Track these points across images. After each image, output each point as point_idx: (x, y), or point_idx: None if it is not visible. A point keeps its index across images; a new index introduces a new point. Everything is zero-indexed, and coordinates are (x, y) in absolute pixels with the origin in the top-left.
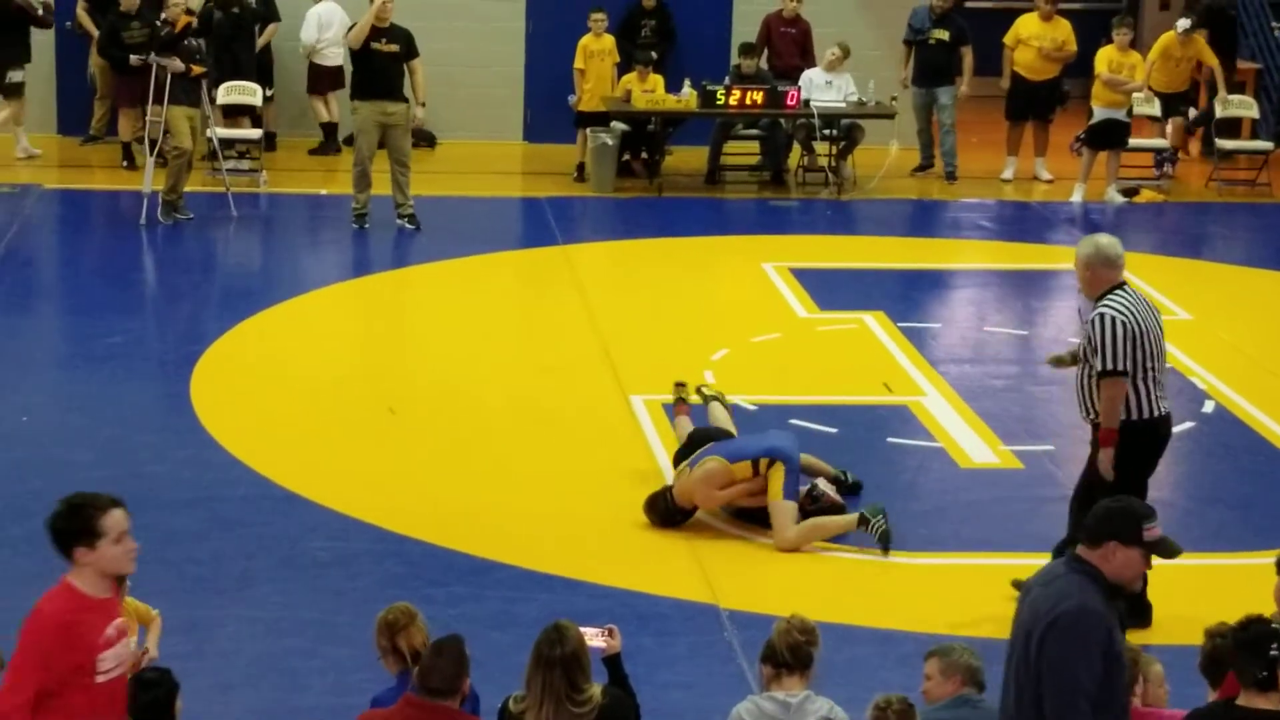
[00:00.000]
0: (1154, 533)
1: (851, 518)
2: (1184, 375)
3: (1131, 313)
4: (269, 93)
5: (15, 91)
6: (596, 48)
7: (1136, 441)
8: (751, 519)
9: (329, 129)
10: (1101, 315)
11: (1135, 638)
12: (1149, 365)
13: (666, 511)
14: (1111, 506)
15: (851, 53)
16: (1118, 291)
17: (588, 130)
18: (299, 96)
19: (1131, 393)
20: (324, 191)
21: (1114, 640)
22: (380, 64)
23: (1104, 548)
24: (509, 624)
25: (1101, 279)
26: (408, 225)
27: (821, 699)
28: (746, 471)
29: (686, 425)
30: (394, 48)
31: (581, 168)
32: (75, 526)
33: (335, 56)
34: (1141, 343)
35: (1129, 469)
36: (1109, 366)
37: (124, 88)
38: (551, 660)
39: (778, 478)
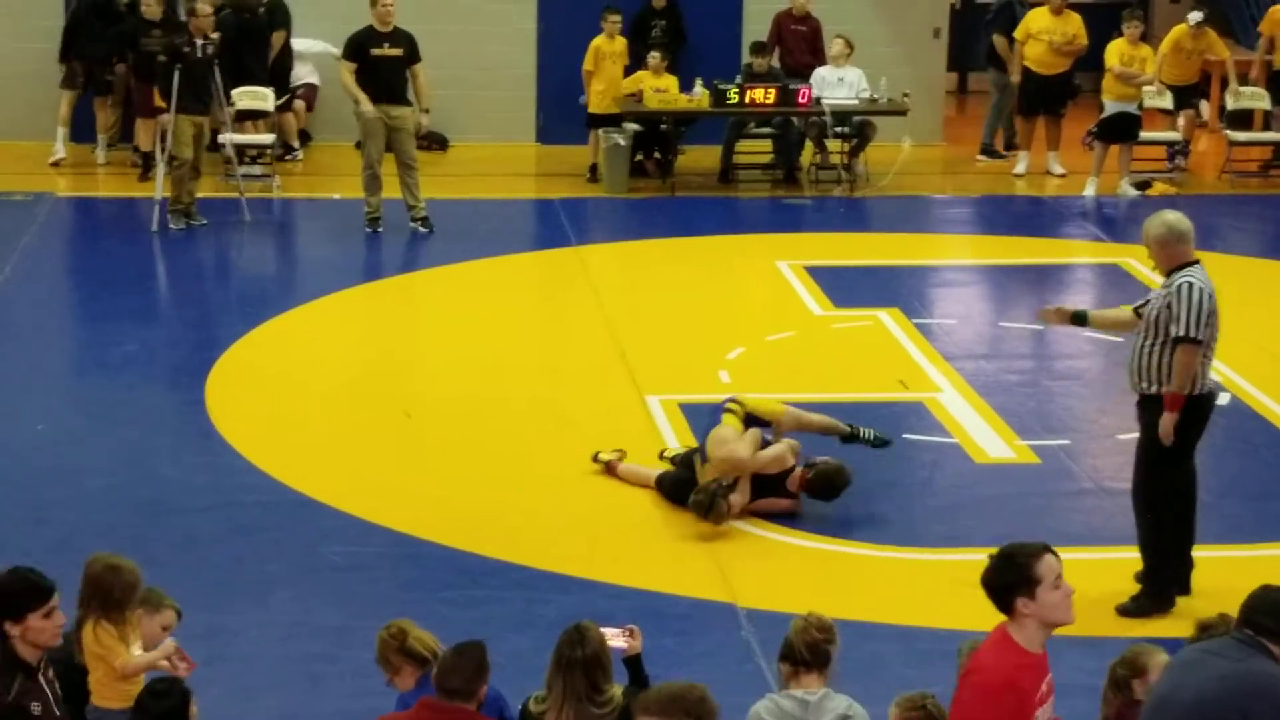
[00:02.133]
0: None
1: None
2: None
3: (1210, 290)
4: (278, 103)
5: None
6: (608, 49)
7: (1188, 415)
8: (769, 516)
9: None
10: (1189, 284)
11: (1157, 625)
12: (1211, 344)
13: (716, 493)
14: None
15: (856, 47)
16: (1196, 267)
17: (600, 131)
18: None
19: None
20: (337, 196)
21: None
22: (383, 68)
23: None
24: (528, 626)
25: (1177, 254)
26: (421, 228)
27: (840, 696)
28: (733, 420)
29: (647, 471)
30: (397, 52)
31: (594, 168)
32: (1013, 577)
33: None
34: (1211, 320)
35: (1177, 440)
36: (1190, 333)
37: (143, 96)
38: (573, 661)
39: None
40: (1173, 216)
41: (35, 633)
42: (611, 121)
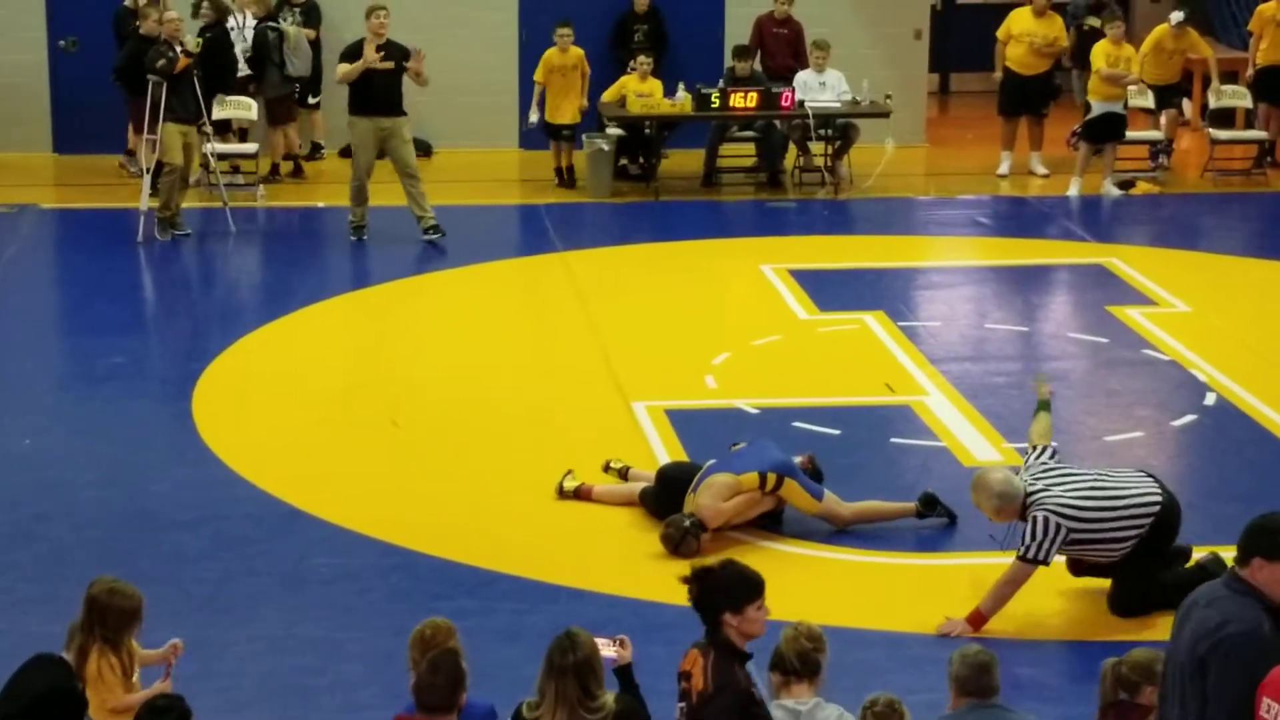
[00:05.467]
0: None
1: (908, 506)
2: (1184, 368)
3: (1062, 508)
4: (312, 101)
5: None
6: (559, 62)
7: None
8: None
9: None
10: (1037, 517)
11: (1148, 630)
12: (1103, 517)
13: (688, 531)
14: (1257, 523)
15: (833, 49)
16: (1039, 495)
17: (584, 135)
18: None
19: (1126, 523)
20: (321, 204)
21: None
22: (378, 81)
23: (1250, 565)
24: (517, 636)
25: (1016, 508)
26: (432, 235)
27: (831, 705)
28: (753, 482)
29: (634, 483)
30: (389, 65)
31: (559, 173)
32: None
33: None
34: (1088, 524)
35: (1150, 556)
36: (1028, 555)
37: (139, 111)
38: (564, 667)
39: (797, 492)
40: (994, 478)
41: (751, 623)
42: (569, 130)
